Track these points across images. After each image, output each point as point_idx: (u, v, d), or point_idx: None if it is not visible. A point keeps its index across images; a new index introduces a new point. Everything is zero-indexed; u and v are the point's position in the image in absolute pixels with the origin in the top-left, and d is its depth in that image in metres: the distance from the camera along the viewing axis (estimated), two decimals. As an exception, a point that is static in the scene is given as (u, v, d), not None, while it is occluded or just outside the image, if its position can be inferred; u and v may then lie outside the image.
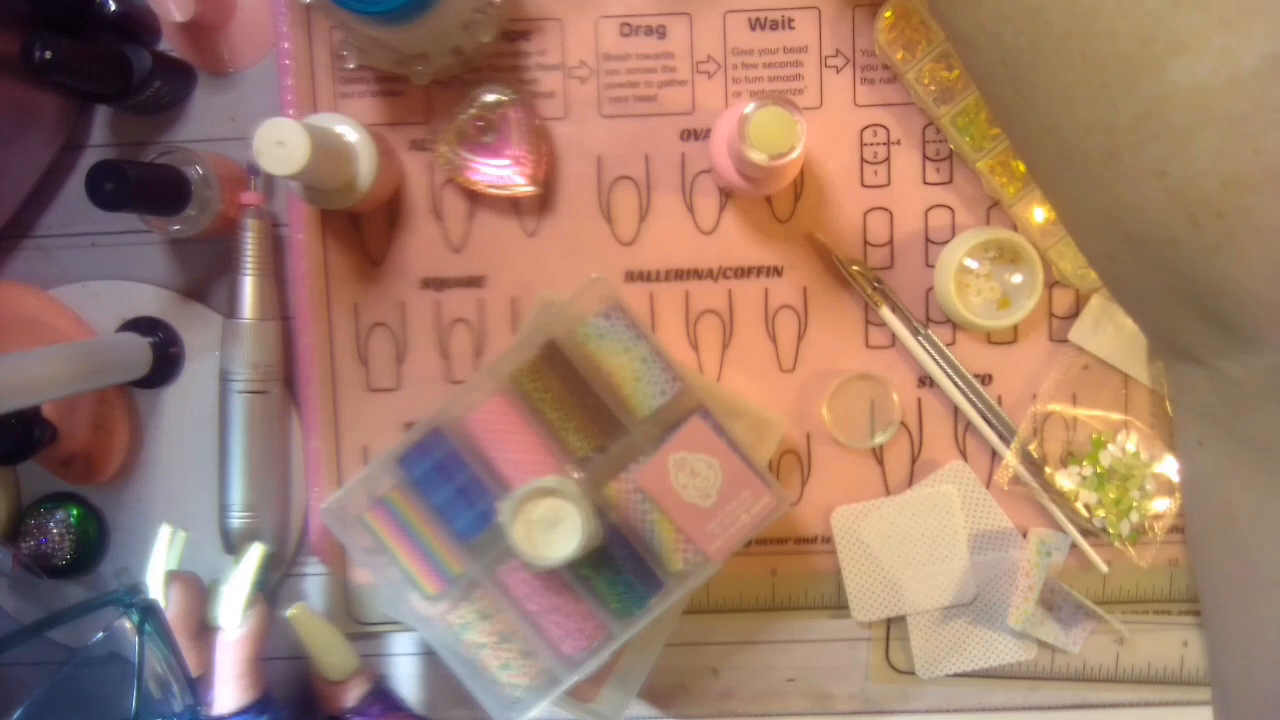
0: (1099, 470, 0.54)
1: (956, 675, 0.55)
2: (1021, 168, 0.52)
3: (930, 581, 0.54)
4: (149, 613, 0.51)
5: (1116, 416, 0.54)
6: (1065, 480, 0.54)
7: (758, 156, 0.45)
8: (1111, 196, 0.35)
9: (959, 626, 0.54)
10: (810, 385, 0.54)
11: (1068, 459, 0.54)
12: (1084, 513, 0.54)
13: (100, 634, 0.50)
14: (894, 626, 0.55)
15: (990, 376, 0.54)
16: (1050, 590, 0.53)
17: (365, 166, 0.50)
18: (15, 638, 0.50)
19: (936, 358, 0.53)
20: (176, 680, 0.52)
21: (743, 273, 0.54)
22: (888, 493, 0.55)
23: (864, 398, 0.54)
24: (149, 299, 0.55)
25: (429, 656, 0.57)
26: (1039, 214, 0.53)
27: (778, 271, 0.54)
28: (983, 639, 0.54)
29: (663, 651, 0.53)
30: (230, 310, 0.53)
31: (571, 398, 0.47)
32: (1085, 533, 0.54)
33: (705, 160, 0.53)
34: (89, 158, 0.55)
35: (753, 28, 0.53)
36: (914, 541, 0.54)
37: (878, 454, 0.55)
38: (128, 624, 0.50)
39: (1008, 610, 0.54)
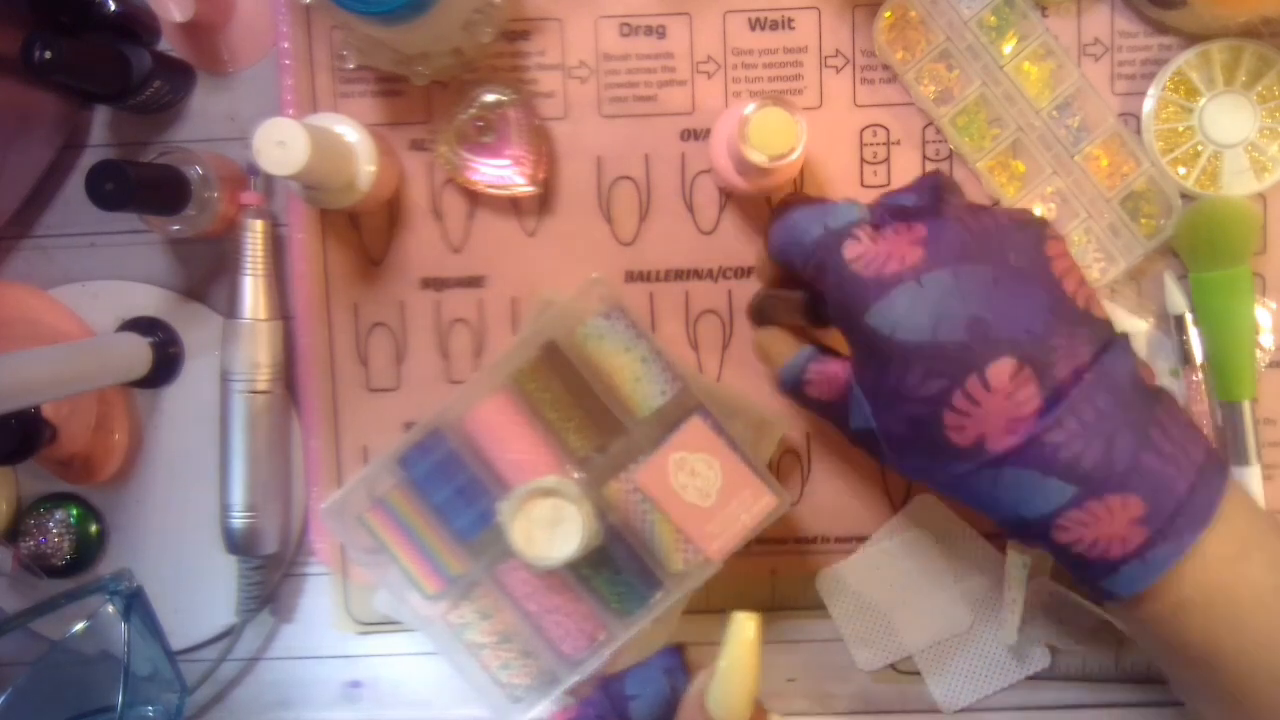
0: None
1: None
2: (1021, 167, 0.52)
3: (924, 618, 0.54)
4: (134, 601, 0.51)
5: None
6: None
7: (758, 157, 0.45)
8: None
9: (966, 654, 0.54)
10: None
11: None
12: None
13: (84, 622, 0.50)
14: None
15: (990, 376, 0.54)
16: (1049, 594, 0.53)
17: (365, 166, 0.50)
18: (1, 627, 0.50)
19: (936, 358, 0.53)
20: (163, 667, 0.52)
21: (743, 273, 0.54)
22: (887, 493, 0.55)
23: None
24: (149, 299, 0.55)
25: (429, 656, 0.56)
26: (1037, 214, 0.52)
27: (778, 271, 0.54)
28: (992, 659, 0.54)
29: (663, 651, 0.53)
30: (230, 310, 0.53)
31: (571, 398, 0.47)
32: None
33: (705, 160, 0.53)
34: (89, 158, 0.55)
35: (753, 28, 0.53)
36: (899, 584, 0.54)
37: (878, 454, 0.55)
38: (111, 610, 0.50)
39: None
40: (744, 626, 0.32)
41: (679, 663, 0.35)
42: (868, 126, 0.53)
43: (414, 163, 0.54)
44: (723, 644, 0.32)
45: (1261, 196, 0.53)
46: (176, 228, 0.52)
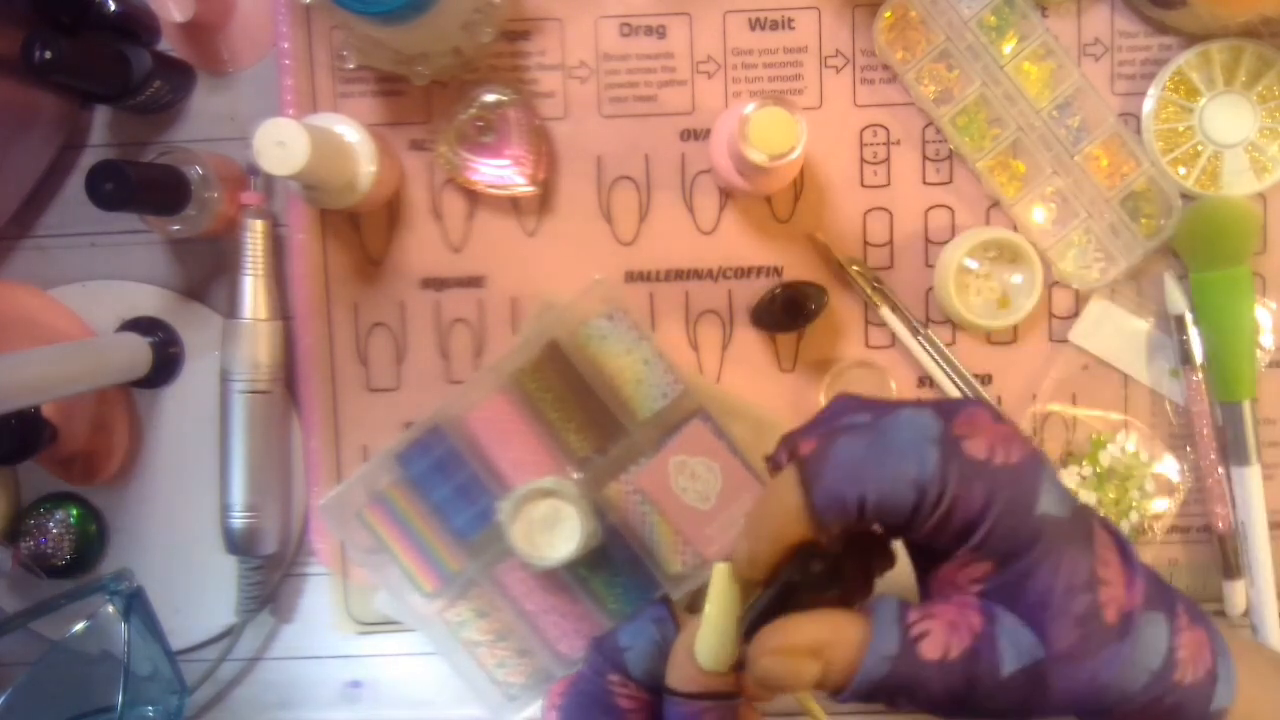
0: (1098, 470, 0.54)
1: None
2: (1021, 167, 0.52)
3: None
4: (134, 601, 0.51)
5: (1116, 416, 0.54)
6: (1065, 480, 0.54)
7: (758, 156, 0.45)
8: None
9: None
10: (809, 380, 0.54)
11: (1067, 459, 0.54)
12: (1084, 513, 0.53)
13: (84, 622, 0.50)
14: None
15: (990, 376, 0.54)
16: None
17: (365, 166, 0.50)
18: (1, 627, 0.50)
19: (936, 358, 0.53)
20: (163, 668, 0.52)
21: (743, 273, 0.54)
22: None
23: (862, 386, 0.54)
24: (149, 299, 0.55)
25: (429, 656, 0.57)
26: (1039, 214, 0.52)
27: (778, 271, 0.54)
28: None
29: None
30: (230, 310, 0.53)
31: (572, 398, 0.48)
32: (1085, 533, 0.54)
33: (705, 160, 0.53)
34: (89, 158, 0.55)
35: (753, 28, 0.53)
36: (899, 584, 0.54)
37: (877, 454, 0.55)
38: (111, 609, 0.50)
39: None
40: (723, 577, 0.34)
41: (667, 613, 0.36)
42: (868, 126, 0.53)
43: (414, 163, 0.54)
44: (706, 595, 0.34)
45: (1261, 196, 0.53)
46: (176, 228, 0.52)
